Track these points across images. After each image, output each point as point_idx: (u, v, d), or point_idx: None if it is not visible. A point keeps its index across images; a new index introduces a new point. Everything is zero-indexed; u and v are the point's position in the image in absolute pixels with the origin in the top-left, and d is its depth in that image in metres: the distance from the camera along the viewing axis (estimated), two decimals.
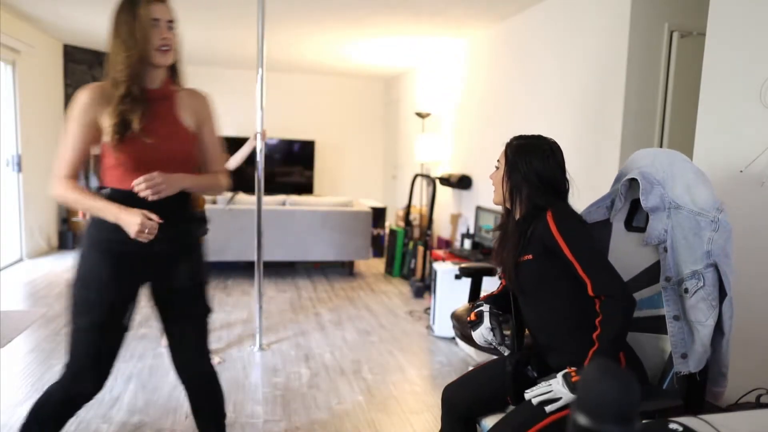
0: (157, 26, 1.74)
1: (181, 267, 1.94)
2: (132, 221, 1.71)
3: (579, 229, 1.67)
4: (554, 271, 1.67)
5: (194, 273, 2.01)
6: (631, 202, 1.85)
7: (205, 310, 2.08)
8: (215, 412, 2.10)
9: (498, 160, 1.82)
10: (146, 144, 1.78)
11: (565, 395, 1.50)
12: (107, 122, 1.76)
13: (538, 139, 1.79)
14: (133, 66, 1.74)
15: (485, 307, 1.88)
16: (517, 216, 1.77)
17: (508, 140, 1.82)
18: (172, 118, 1.87)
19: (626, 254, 1.81)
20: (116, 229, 1.75)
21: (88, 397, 1.92)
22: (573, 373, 1.51)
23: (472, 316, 1.88)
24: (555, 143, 1.78)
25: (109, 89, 1.76)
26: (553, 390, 1.52)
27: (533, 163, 1.73)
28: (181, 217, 1.93)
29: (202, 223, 1.98)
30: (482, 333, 1.85)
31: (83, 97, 1.78)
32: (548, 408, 1.53)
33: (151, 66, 1.78)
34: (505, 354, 1.87)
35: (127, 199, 1.77)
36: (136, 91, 1.75)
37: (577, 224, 1.68)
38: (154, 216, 1.73)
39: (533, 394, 1.55)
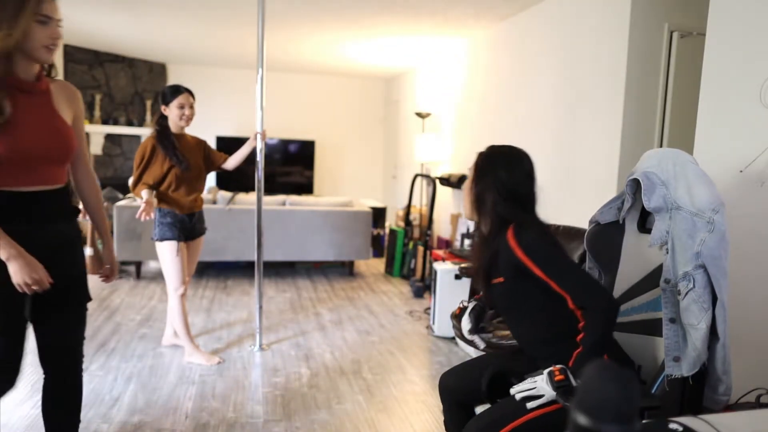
0: (47, 24, 1.69)
1: (61, 261, 1.83)
2: (26, 273, 1.63)
3: (542, 244, 1.64)
4: (529, 289, 1.66)
5: (72, 265, 1.91)
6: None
7: (82, 301, 1.97)
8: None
9: (469, 169, 1.81)
10: (25, 137, 1.66)
11: (547, 393, 1.52)
12: None
13: (510, 148, 1.77)
14: (7, 50, 1.64)
15: (470, 304, 1.91)
16: (485, 231, 1.75)
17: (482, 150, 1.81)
18: (51, 112, 1.79)
19: (638, 256, 1.81)
20: None
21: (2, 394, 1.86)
22: (557, 372, 1.52)
23: (457, 310, 1.93)
24: (525, 154, 1.77)
25: None
26: (536, 387, 1.55)
27: (498, 173, 1.71)
28: (61, 215, 1.85)
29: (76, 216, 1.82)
30: (463, 326, 1.91)
31: None
32: (529, 405, 1.55)
33: (30, 59, 1.72)
34: (481, 347, 1.90)
35: (9, 201, 1.67)
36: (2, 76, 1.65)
37: (538, 240, 1.64)
38: (46, 275, 1.67)
39: (517, 390, 1.58)
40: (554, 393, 1.51)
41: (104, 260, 2.13)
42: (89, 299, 1.99)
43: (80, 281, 1.96)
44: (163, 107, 3.24)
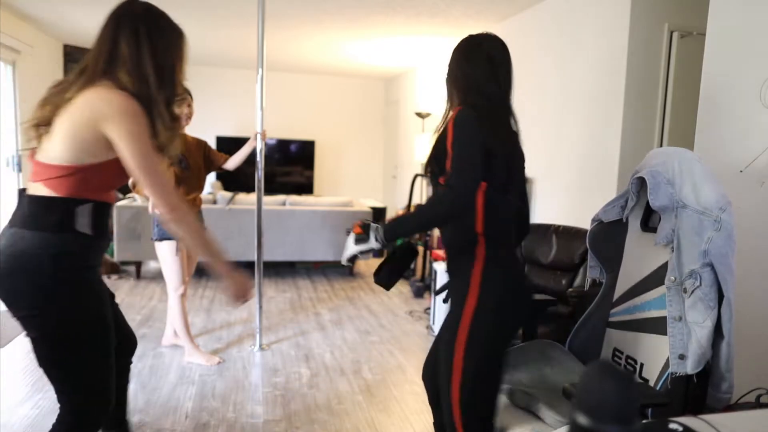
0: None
1: None
2: (248, 286, 1.69)
3: (472, 129, 1.61)
4: (441, 161, 1.64)
5: None
6: (647, 202, 1.84)
7: None
8: None
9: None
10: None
11: (354, 247, 1.69)
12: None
13: (468, 38, 1.85)
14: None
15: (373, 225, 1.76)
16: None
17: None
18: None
19: (641, 254, 1.81)
20: (88, 255, 1.62)
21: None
22: (359, 227, 1.68)
23: (359, 231, 1.73)
24: (486, 38, 1.86)
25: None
26: (347, 245, 1.71)
27: (456, 64, 1.81)
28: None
29: None
30: (356, 246, 1.74)
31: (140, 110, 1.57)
32: (343, 259, 1.74)
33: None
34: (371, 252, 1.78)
35: (105, 211, 1.66)
36: None
37: (469, 128, 1.60)
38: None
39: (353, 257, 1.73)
40: (354, 249, 1.69)
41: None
42: None
43: None
44: None
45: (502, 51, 1.90)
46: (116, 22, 1.69)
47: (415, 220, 1.64)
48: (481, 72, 1.81)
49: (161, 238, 3.24)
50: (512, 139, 1.81)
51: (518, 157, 1.81)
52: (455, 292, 1.71)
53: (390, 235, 1.65)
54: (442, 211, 1.57)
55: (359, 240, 1.68)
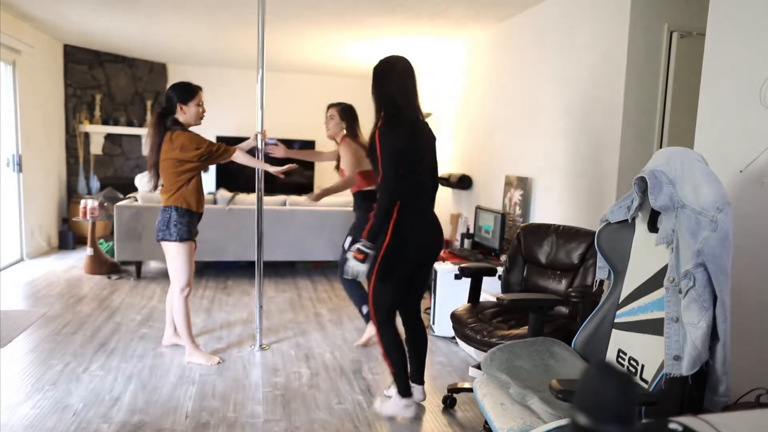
0: None
1: None
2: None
3: (391, 142, 2.49)
4: (377, 164, 2.54)
5: None
6: None
7: None
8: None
9: None
10: None
11: (358, 267, 2.51)
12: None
13: (384, 60, 2.73)
14: None
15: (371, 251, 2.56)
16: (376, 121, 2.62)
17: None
18: None
19: (647, 255, 1.81)
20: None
21: None
22: (355, 253, 2.50)
23: (360, 255, 2.51)
24: (398, 60, 2.72)
25: None
26: (353, 266, 2.51)
27: (379, 81, 2.67)
28: None
29: None
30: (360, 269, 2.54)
31: None
32: (359, 278, 2.66)
33: None
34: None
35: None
36: None
37: (392, 138, 2.50)
38: None
39: (346, 273, 2.54)
40: (365, 266, 2.51)
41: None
42: None
43: None
44: (180, 106, 3.21)
45: (406, 65, 2.67)
46: None
47: (378, 220, 2.52)
48: (395, 87, 2.58)
49: (181, 239, 3.21)
50: (419, 133, 2.59)
51: (426, 143, 2.63)
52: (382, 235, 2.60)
53: (372, 239, 2.52)
54: (385, 204, 2.51)
55: (365, 260, 2.51)
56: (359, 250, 2.49)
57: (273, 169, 3.49)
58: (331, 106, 4.18)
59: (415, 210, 2.61)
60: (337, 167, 4.10)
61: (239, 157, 3.35)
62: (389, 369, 2.75)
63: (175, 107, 3.22)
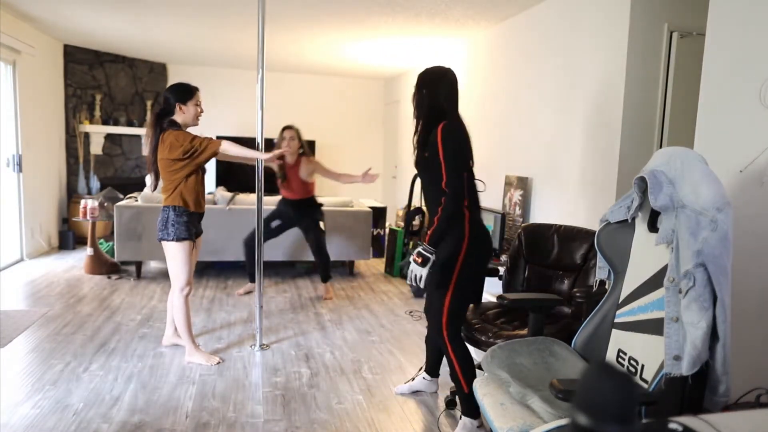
0: None
1: None
2: None
3: (455, 143, 2.46)
4: (435, 165, 2.45)
5: None
6: None
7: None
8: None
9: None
10: None
11: (419, 271, 2.39)
12: None
13: (436, 68, 2.62)
14: None
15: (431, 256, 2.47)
16: (423, 123, 2.57)
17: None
18: None
19: (647, 255, 1.80)
20: None
21: None
22: (415, 257, 2.41)
23: (419, 259, 2.42)
24: (448, 70, 2.60)
25: None
26: (413, 270, 2.41)
27: (430, 86, 2.57)
28: None
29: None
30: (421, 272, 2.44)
31: None
32: (421, 284, 2.39)
33: None
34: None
35: None
36: None
37: (455, 139, 2.46)
38: None
39: (408, 279, 2.45)
40: (425, 270, 2.39)
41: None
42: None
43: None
44: (179, 106, 3.23)
45: (455, 76, 2.64)
46: None
47: (442, 225, 2.42)
48: (444, 93, 2.57)
49: (179, 238, 3.21)
50: (469, 139, 2.58)
51: (471, 149, 2.61)
52: (448, 242, 2.48)
53: (435, 244, 2.42)
54: (454, 206, 2.43)
55: (423, 263, 2.40)
56: (420, 254, 2.40)
57: (264, 155, 3.35)
58: (288, 128, 4.67)
59: (478, 211, 2.58)
60: (284, 180, 4.68)
61: (229, 148, 3.21)
62: (464, 388, 2.51)
63: (174, 107, 3.23)
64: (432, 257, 2.39)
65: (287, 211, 4.80)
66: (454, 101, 2.58)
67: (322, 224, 5.12)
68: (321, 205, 4.97)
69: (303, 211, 4.78)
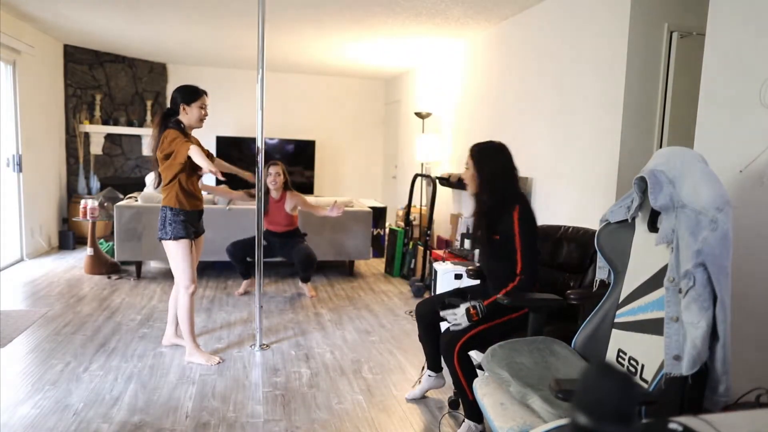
0: None
1: None
2: None
3: (530, 229, 2.50)
4: (507, 248, 2.49)
5: None
6: None
7: None
8: None
9: (466, 163, 2.65)
10: None
11: (464, 322, 2.43)
12: None
13: (496, 143, 2.66)
14: None
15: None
16: (489, 202, 2.56)
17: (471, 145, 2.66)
18: None
19: (647, 255, 1.80)
20: None
21: None
22: (471, 309, 2.43)
23: (476, 317, 2.45)
24: (503, 145, 2.63)
25: None
26: (456, 317, 2.44)
27: (494, 161, 2.59)
28: None
29: None
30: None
31: None
32: (453, 329, 2.46)
33: None
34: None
35: None
36: None
37: (530, 226, 2.50)
38: None
39: (447, 319, 2.48)
40: (467, 323, 2.43)
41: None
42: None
43: None
44: (183, 106, 3.24)
45: (509, 151, 2.67)
46: None
47: (515, 301, 2.38)
48: (502, 166, 2.60)
49: (176, 237, 3.22)
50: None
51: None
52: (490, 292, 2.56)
53: (492, 311, 2.46)
54: (527, 289, 2.44)
55: (471, 318, 2.44)
56: (477, 311, 2.43)
57: (213, 168, 3.07)
58: (273, 164, 4.81)
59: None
60: (266, 213, 4.75)
61: (192, 155, 3.05)
62: (468, 395, 2.49)
63: (179, 107, 3.25)
64: (481, 316, 2.45)
65: (273, 241, 4.93)
66: (516, 177, 2.61)
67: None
68: (305, 234, 5.12)
69: (288, 242, 4.93)
